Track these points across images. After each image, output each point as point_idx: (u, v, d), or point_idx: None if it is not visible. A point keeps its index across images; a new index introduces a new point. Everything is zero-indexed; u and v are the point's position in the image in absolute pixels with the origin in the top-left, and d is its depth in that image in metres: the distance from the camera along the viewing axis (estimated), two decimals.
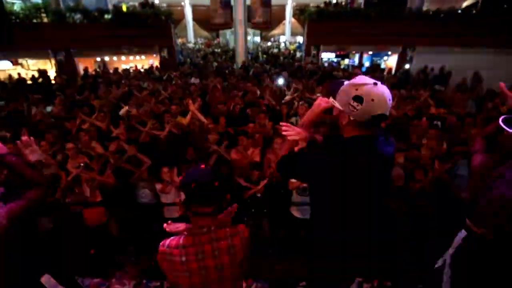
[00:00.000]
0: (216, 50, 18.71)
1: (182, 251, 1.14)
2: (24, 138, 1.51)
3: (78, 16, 10.27)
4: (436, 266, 1.65)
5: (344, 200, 1.21)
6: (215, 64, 12.44)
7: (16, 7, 9.64)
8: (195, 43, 21.46)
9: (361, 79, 1.12)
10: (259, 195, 3.28)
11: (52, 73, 10.62)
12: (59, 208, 3.06)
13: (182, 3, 21.14)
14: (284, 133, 1.35)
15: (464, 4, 12.30)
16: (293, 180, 3.14)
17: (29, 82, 9.25)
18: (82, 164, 3.27)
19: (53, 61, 10.99)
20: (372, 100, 1.07)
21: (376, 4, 11.70)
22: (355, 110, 1.10)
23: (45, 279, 1.48)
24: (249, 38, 16.52)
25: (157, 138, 3.87)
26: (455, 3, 12.62)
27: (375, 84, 1.09)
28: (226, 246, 1.16)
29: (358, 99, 1.08)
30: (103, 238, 3.17)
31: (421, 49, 11.15)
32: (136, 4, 12.32)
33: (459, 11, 10.74)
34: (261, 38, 24.21)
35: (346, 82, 1.20)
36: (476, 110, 4.97)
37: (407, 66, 11.39)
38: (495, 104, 4.65)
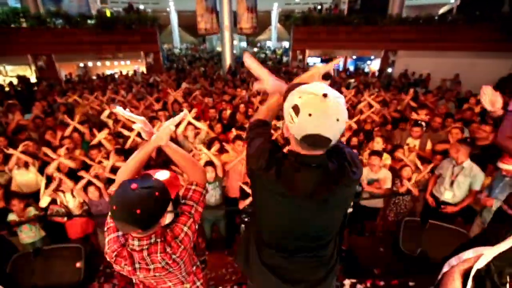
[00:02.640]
0: (202, 55, 18.67)
1: (119, 260, 1.13)
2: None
3: (59, 21, 10.00)
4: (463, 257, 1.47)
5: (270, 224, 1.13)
6: (202, 69, 12.40)
7: None
8: (181, 49, 21.35)
9: (313, 86, 0.90)
10: None
11: (32, 79, 10.25)
12: (41, 220, 2.92)
13: (168, 9, 21.06)
14: (246, 61, 1.19)
15: (441, 11, 12.89)
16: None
17: (7, 89, 8.88)
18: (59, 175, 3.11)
19: (33, 67, 10.60)
20: (310, 114, 0.84)
21: (358, 10, 12.10)
22: (292, 122, 0.89)
23: None
24: (235, 43, 16.59)
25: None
26: (432, 9, 13.22)
27: (325, 96, 0.84)
28: (158, 261, 1.14)
29: (296, 109, 0.87)
30: (90, 250, 3.04)
31: (402, 53, 11.57)
32: (121, 9, 12.18)
33: (436, 18, 11.25)
34: (248, 44, 24.42)
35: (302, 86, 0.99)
36: (456, 111, 5.17)
37: (389, 69, 11.78)
38: (470, 105, 4.86)
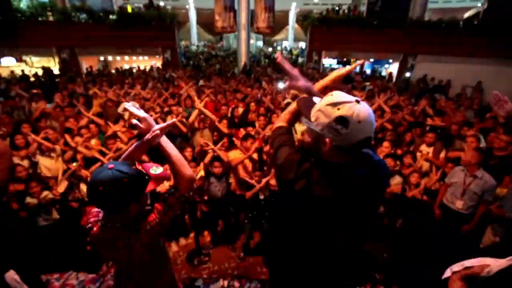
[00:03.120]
0: (219, 53, 18.85)
1: (93, 237, 1.21)
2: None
3: (83, 16, 10.39)
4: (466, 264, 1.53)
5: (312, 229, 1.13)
6: (217, 66, 12.54)
7: (23, 5, 9.76)
8: (198, 46, 21.63)
9: (340, 96, 0.95)
10: (262, 197, 3.27)
11: (55, 71, 10.70)
12: (59, 204, 3.06)
13: (187, 6, 21.37)
14: (279, 60, 1.21)
15: (466, 15, 12.40)
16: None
17: (32, 79, 9.33)
18: (77, 163, 3.27)
19: (56, 59, 11.07)
20: (359, 122, 0.89)
21: (378, 12, 11.82)
22: (339, 134, 0.92)
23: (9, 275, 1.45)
24: (251, 42, 16.65)
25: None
26: (457, 13, 12.75)
27: (358, 102, 0.92)
28: (123, 245, 1.18)
29: (342, 121, 0.90)
30: None
31: (422, 58, 11.23)
32: (141, 5, 12.48)
33: (461, 22, 10.84)
34: (264, 43, 24.41)
35: (318, 100, 1.04)
36: (478, 120, 4.98)
37: (407, 74, 11.46)
38: (493, 114, 4.67)
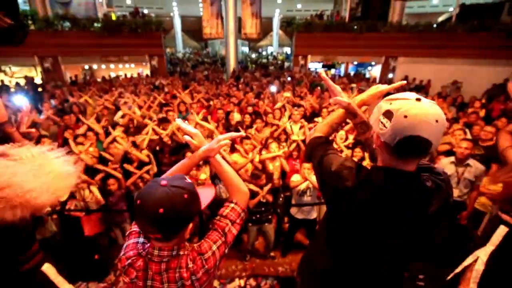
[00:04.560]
0: (205, 60, 18.89)
1: (131, 271, 0.99)
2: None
3: (66, 24, 10.16)
4: (465, 264, 1.55)
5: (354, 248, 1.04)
6: (205, 73, 12.58)
7: None
8: (184, 53, 21.58)
9: (403, 94, 0.90)
10: (264, 200, 3.28)
11: (37, 81, 10.35)
12: (59, 214, 2.99)
13: (171, 14, 21.32)
14: (322, 76, 1.18)
15: (440, 19, 13.17)
16: (293, 179, 3.24)
17: (12, 90, 8.98)
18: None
19: (38, 69, 10.71)
20: (405, 116, 0.82)
21: (360, 17, 12.37)
22: (384, 128, 0.87)
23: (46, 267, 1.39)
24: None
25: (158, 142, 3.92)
26: (431, 17, 13.52)
27: (418, 100, 0.84)
28: (174, 280, 0.97)
29: (388, 114, 0.86)
30: (105, 244, 3.11)
31: (403, 60, 11.80)
32: (127, 13, 12.37)
33: (435, 25, 11.54)
34: (250, 49, 24.69)
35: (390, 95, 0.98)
36: (461, 115, 5.31)
37: (390, 75, 11.99)
38: (475, 109, 5.01)
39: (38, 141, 3.65)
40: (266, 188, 3.19)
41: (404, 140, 0.83)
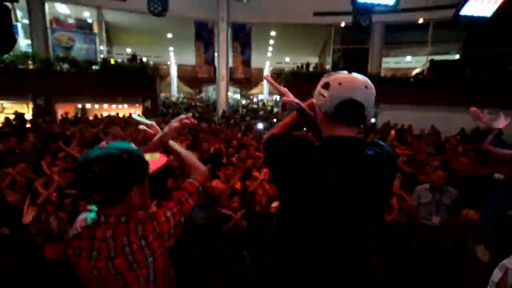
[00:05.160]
0: (198, 104, 19.67)
1: (75, 242, 0.93)
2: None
3: (65, 65, 10.66)
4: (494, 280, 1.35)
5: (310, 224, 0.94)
6: (197, 115, 13.00)
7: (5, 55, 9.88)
8: (177, 97, 22.51)
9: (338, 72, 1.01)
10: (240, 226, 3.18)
11: (28, 117, 10.38)
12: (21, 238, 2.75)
13: (168, 62, 22.82)
14: (268, 79, 1.38)
15: (413, 73, 14.55)
16: (274, 205, 3.15)
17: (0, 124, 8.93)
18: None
19: (30, 105, 10.84)
20: (340, 84, 0.93)
21: (341, 69, 13.50)
22: (324, 97, 0.95)
23: None
24: (230, 95, 17.78)
25: None
26: (405, 71, 14.98)
27: (350, 73, 0.98)
28: (120, 245, 0.90)
29: (326, 85, 0.96)
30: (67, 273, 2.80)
31: (385, 106, 12.65)
32: (125, 60, 13.20)
33: (411, 79, 12.74)
34: (241, 96, 26.07)
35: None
36: (436, 153, 5.53)
37: (373, 120, 12.68)
38: (452, 146, 5.28)
39: (13, 164, 3.54)
40: (240, 213, 3.09)
41: (340, 104, 0.93)
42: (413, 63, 17.84)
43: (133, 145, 0.98)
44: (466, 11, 8.18)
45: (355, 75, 0.98)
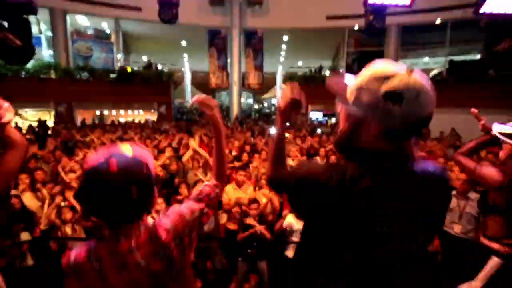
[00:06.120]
0: None
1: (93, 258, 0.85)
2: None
3: (85, 74, 11.15)
4: None
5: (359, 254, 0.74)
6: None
7: (29, 65, 10.44)
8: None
9: (382, 65, 0.74)
10: (259, 232, 3.08)
11: (50, 123, 10.87)
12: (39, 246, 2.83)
13: (183, 69, 23.32)
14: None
15: (431, 73, 14.07)
16: (285, 218, 3.09)
17: (24, 131, 9.37)
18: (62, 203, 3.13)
19: (52, 112, 11.37)
20: (417, 95, 0.68)
21: (356, 72, 13.28)
22: (390, 114, 0.69)
23: None
24: (242, 100, 17.90)
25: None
26: (424, 72, 14.52)
27: (411, 71, 0.71)
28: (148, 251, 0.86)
29: (394, 97, 0.68)
30: None
31: None
32: (141, 67, 13.61)
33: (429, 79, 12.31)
34: (254, 100, 26.16)
35: (351, 77, 0.84)
36: None
37: None
38: None
39: (31, 172, 3.67)
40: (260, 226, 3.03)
41: (417, 121, 0.71)
42: (431, 64, 17.30)
43: (148, 163, 0.85)
44: (486, 8, 7.81)
45: (417, 75, 0.70)
